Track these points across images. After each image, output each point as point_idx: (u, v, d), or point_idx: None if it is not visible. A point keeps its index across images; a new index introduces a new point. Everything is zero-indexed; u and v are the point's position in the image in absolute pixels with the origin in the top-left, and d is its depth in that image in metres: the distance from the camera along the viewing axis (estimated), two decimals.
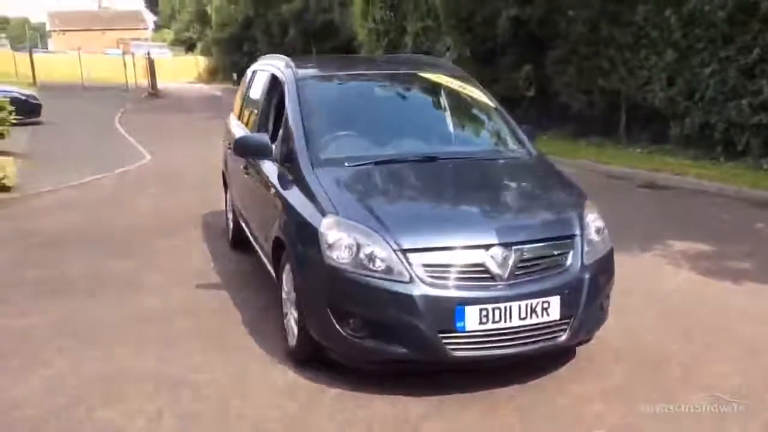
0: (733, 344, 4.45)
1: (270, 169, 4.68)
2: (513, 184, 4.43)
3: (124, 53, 41.99)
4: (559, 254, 3.81)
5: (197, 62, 53.23)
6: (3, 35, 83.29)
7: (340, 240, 3.70)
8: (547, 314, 3.67)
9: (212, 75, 49.34)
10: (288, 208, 4.20)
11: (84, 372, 4.12)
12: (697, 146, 11.43)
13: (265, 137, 4.70)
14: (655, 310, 5.09)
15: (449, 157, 4.52)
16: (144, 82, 35.52)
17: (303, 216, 3.99)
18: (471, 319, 3.55)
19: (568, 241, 3.86)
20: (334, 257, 3.68)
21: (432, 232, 3.73)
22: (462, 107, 5.12)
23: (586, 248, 3.90)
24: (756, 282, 5.62)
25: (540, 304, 3.65)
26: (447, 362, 3.64)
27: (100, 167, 11.31)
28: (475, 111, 5.10)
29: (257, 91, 5.85)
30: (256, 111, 5.65)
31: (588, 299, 3.80)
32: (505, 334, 3.63)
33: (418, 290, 3.54)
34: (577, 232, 3.90)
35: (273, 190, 4.52)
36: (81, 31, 73.82)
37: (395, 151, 4.57)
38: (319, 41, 24.07)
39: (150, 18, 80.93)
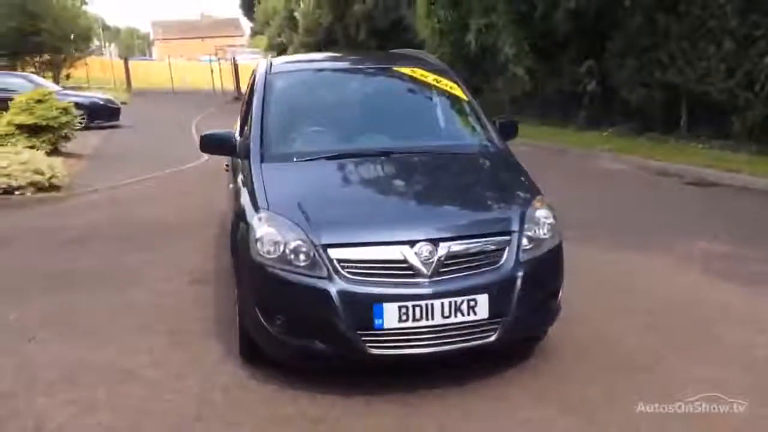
0: (713, 347, 4.16)
1: (234, 165, 4.73)
2: (460, 180, 4.28)
3: (217, 59, 43.49)
4: (491, 251, 3.66)
5: None
6: (111, 44, 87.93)
7: (268, 235, 3.69)
8: (474, 313, 3.53)
9: None
10: (235, 204, 4.23)
11: (42, 361, 4.27)
12: (759, 141, 10.74)
13: (229, 133, 4.74)
14: (644, 309, 4.82)
15: (405, 152, 4.43)
16: (232, 86, 36.70)
17: (242, 212, 4.01)
18: (390, 316, 3.46)
19: (503, 238, 3.70)
20: (262, 252, 3.67)
21: (354, 228, 3.66)
22: (432, 101, 5.00)
23: (525, 245, 3.73)
24: None
25: (465, 302, 3.52)
26: (367, 360, 3.56)
27: (156, 167, 11.74)
28: (444, 105, 4.97)
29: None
30: (243, 110, 5.74)
31: (522, 298, 3.63)
32: (427, 332, 3.51)
33: (335, 286, 3.49)
34: (514, 228, 3.73)
35: (231, 186, 4.57)
36: (182, 39, 76.84)
37: (351, 145, 4.52)
38: (388, 40, 24.12)
39: (247, 25, 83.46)
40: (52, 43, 36.77)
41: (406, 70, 5.07)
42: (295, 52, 51.54)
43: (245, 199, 4.07)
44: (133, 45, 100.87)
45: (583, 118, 15.07)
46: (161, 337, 4.61)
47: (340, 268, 3.52)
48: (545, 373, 3.90)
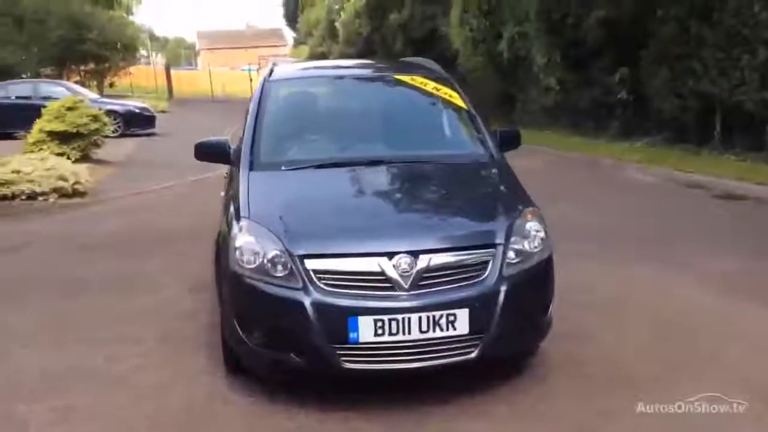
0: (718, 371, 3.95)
1: (230, 173, 4.70)
2: (448, 190, 4.17)
3: (257, 68, 43.99)
4: (473, 264, 3.53)
5: None
6: (158, 54, 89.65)
7: (247, 244, 3.63)
8: (454, 328, 3.41)
9: None
10: (223, 212, 4.18)
11: (31, 367, 4.28)
12: None
13: (223, 140, 4.71)
14: (642, 326, 4.63)
15: (396, 161, 4.33)
16: None
17: (226, 220, 3.96)
18: (365, 330, 3.36)
19: (486, 251, 3.57)
20: (241, 262, 3.61)
21: (332, 238, 3.58)
22: (429, 110, 4.90)
23: (511, 259, 3.60)
24: None
25: (445, 316, 3.40)
26: (341, 375, 3.47)
27: (182, 175, 11.82)
28: (442, 113, 4.86)
29: None
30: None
31: (506, 313, 3.49)
32: (404, 347, 3.41)
33: (309, 298, 3.40)
34: (499, 241, 3.60)
35: (222, 194, 4.53)
36: (226, 49, 77.90)
37: (342, 154, 4.44)
38: (424, 50, 24.01)
39: (290, 35, 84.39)
40: (97, 52, 37.63)
41: (406, 78, 4.99)
42: None
43: (231, 207, 4.02)
44: (180, 55, 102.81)
45: (616, 129, 14.77)
46: (152, 345, 4.58)
47: (316, 280, 3.44)
48: (537, 390, 3.76)
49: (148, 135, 19.27)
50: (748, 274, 5.72)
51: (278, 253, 3.51)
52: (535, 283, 3.72)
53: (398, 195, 4.08)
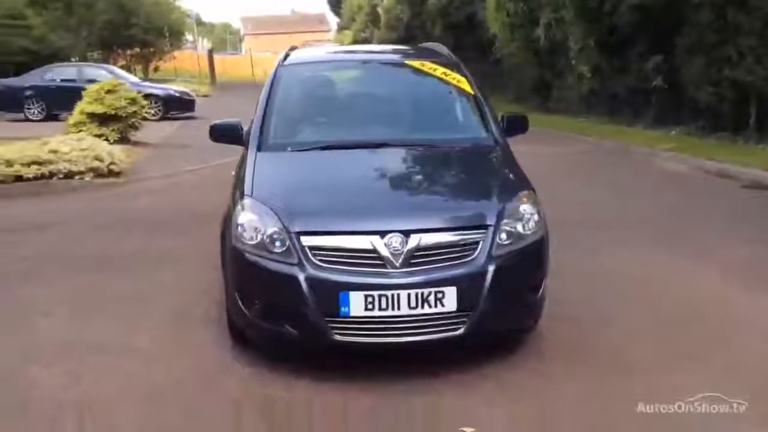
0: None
1: (242, 153, 4.86)
2: (446, 173, 4.28)
3: None
4: (464, 244, 3.65)
5: None
6: (204, 39, 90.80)
7: (249, 222, 3.80)
8: (442, 305, 3.54)
9: None
10: (231, 191, 4.36)
11: (48, 335, 4.52)
12: None
13: (236, 122, 4.87)
14: (664, 315, 4.67)
15: (399, 144, 4.45)
16: None
17: (232, 198, 4.14)
18: (356, 304, 3.51)
19: (477, 231, 3.68)
20: (242, 238, 3.78)
21: (328, 216, 3.73)
22: (436, 94, 5.00)
23: (503, 240, 3.70)
24: None
25: (433, 293, 3.52)
26: (333, 346, 3.62)
27: (216, 157, 12.05)
28: (448, 98, 4.94)
29: None
30: None
31: (493, 292, 3.61)
32: (392, 322, 3.54)
33: (304, 273, 3.56)
34: (490, 222, 3.71)
35: (233, 173, 4.70)
36: (270, 35, 78.48)
37: (348, 137, 4.57)
38: (462, 35, 24.05)
39: (333, 20, 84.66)
40: (143, 36, 38.40)
41: (416, 64, 5.09)
42: None
43: (236, 186, 4.19)
44: (226, 40, 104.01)
45: (651, 117, 14.60)
46: (167, 318, 4.78)
47: (311, 256, 3.59)
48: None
49: (187, 118, 19.66)
50: (747, 263, 5.69)
51: (277, 230, 3.67)
52: (525, 264, 3.81)
53: (397, 177, 4.19)
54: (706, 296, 5.01)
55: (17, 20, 28.48)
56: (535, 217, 3.87)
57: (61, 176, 9.48)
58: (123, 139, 12.86)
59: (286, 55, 5.32)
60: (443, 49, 5.48)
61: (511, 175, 4.22)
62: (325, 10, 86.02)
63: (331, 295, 3.52)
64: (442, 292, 3.53)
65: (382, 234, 3.57)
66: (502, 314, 3.72)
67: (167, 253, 6.37)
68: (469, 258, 3.62)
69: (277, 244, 3.66)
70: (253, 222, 3.78)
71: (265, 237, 3.70)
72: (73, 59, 30.00)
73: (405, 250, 3.55)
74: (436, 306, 3.53)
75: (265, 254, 3.68)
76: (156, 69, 40.36)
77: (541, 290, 3.90)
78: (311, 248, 3.60)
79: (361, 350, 3.70)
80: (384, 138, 4.49)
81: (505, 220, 3.76)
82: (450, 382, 3.68)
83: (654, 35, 13.66)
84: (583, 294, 4.94)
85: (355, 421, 3.40)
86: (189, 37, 71.22)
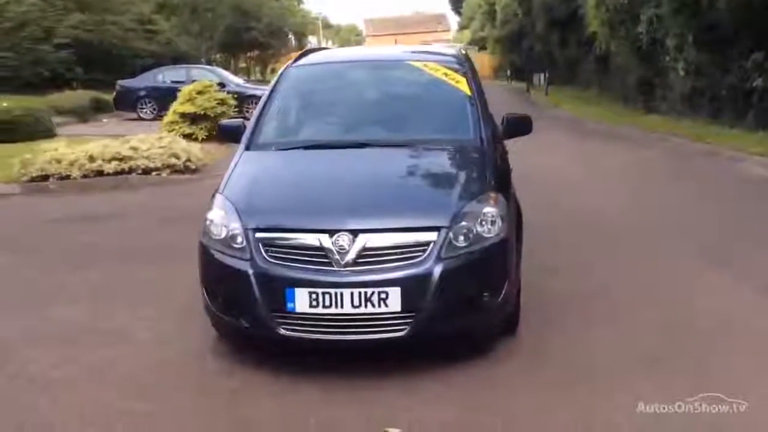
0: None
1: None
2: (415, 173, 4.24)
3: None
4: (413, 246, 3.64)
5: (482, 60, 54.54)
6: (329, 41, 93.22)
7: (216, 218, 3.97)
8: (386, 305, 3.56)
9: (496, 72, 50.29)
10: None
11: (58, 319, 4.85)
12: None
13: (239, 122, 5.06)
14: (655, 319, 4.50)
15: (381, 145, 4.49)
16: None
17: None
18: (301, 301, 3.60)
19: (428, 233, 3.67)
20: (210, 233, 3.95)
21: (283, 214, 3.85)
22: (431, 95, 4.96)
23: (458, 241, 3.67)
24: None
25: (376, 294, 3.55)
26: (280, 341, 3.71)
27: None
28: (443, 99, 4.87)
29: None
30: None
31: (441, 294, 3.59)
32: (336, 320, 3.60)
33: (254, 269, 3.68)
34: (443, 224, 3.68)
35: None
36: (390, 35, 79.32)
37: (334, 137, 4.67)
38: (567, 32, 23.46)
39: (452, 20, 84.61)
40: (262, 40, 40.01)
41: (419, 64, 5.09)
42: (491, 45, 51.84)
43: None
44: (351, 41, 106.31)
45: (752, 119, 13.65)
46: (175, 310, 4.98)
47: (263, 252, 3.71)
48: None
49: None
50: None
51: (237, 226, 3.82)
52: (482, 267, 3.75)
53: (363, 177, 4.22)
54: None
55: (144, 25, 30.48)
56: (497, 220, 3.79)
57: (139, 172, 10.10)
58: (211, 137, 13.49)
59: (299, 57, 5.46)
60: (455, 50, 5.45)
61: (480, 177, 4.15)
62: (446, 10, 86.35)
63: (278, 290, 3.63)
64: (386, 292, 3.55)
65: (331, 233, 3.63)
66: (453, 317, 3.68)
67: None
68: (417, 259, 3.62)
69: (239, 240, 3.80)
70: (220, 218, 3.94)
71: (229, 233, 3.85)
72: (202, 60, 31.75)
73: (351, 249, 3.60)
74: (379, 306, 3.56)
75: (226, 250, 3.83)
76: (273, 71, 41.93)
77: (502, 293, 3.82)
78: (264, 245, 3.71)
79: (309, 346, 3.77)
80: (367, 138, 4.54)
81: (463, 222, 3.71)
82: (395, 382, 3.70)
83: (755, 32, 12.75)
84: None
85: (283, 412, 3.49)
86: (313, 39, 73.32)
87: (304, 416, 3.42)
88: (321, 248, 3.62)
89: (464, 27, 79.82)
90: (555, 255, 5.78)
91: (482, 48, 62.60)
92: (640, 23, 16.97)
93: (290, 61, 5.39)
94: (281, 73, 5.15)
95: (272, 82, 5.11)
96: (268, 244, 3.71)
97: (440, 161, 4.40)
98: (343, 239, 3.61)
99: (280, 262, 3.67)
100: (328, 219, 3.71)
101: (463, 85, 4.86)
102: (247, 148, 4.56)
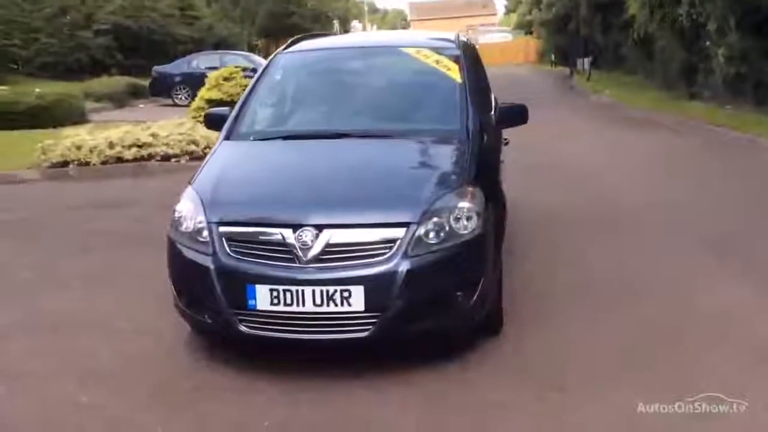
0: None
1: None
2: (388, 166, 4.05)
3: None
4: (379, 242, 3.47)
5: (527, 44, 53.60)
6: (374, 26, 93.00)
7: (184, 211, 3.86)
8: (348, 304, 3.40)
9: (541, 57, 49.37)
10: None
11: (45, 308, 4.82)
12: None
13: (224, 110, 4.93)
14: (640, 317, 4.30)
15: (361, 135, 4.31)
16: None
17: None
18: (262, 298, 3.46)
19: (395, 229, 3.49)
20: (177, 226, 3.85)
21: (247, 207, 3.72)
22: (420, 83, 4.77)
23: (428, 237, 3.49)
24: None
25: (339, 292, 3.39)
26: (242, 338, 3.59)
27: None
28: (431, 87, 4.67)
29: None
30: None
31: (408, 293, 3.41)
32: (297, 319, 3.46)
33: (215, 264, 3.56)
34: (412, 220, 3.50)
35: None
36: (435, 20, 78.69)
37: (314, 127, 4.53)
38: (610, 15, 22.78)
39: (498, 3, 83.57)
40: (305, 25, 39.95)
41: (411, 51, 4.88)
42: (537, 29, 50.90)
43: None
44: (396, 26, 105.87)
45: None
46: (158, 299, 4.88)
47: (226, 247, 3.58)
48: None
49: None
50: None
51: (202, 219, 3.70)
52: (455, 264, 3.56)
53: (336, 169, 4.05)
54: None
55: (185, 11, 30.71)
56: (472, 215, 3.59)
57: (158, 159, 10.08)
58: None
59: (291, 43, 5.30)
60: (453, 36, 5.23)
61: (459, 170, 3.94)
62: None
63: (240, 287, 3.50)
64: (349, 291, 3.39)
65: (295, 228, 3.49)
66: (422, 317, 3.50)
67: None
68: (383, 257, 3.44)
69: (204, 234, 3.68)
70: (188, 211, 3.83)
71: (195, 227, 3.73)
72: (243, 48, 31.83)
73: (315, 245, 3.45)
74: (342, 305, 3.40)
75: (191, 243, 3.72)
76: None
77: (477, 292, 3.61)
78: (227, 239, 3.59)
79: (271, 345, 3.63)
80: (348, 129, 4.37)
81: (434, 218, 3.52)
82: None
83: None
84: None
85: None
86: (357, 23, 73.11)
87: (259, 417, 3.31)
88: (284, 243, 3.48)
89: (511, 11, 78.70)
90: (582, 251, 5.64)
91: (529, 32, 61.58)
92: (681, 5, 16.33)
93: (281, 48, 5.24)
94: (269, 60, 5.01)
95: (260, 70, 4.96)
96: (230, 238, 3.58)
97: (420, 153, 4.20)
98: (307, 234, 3.45)
99: (243, 258, 3.54)
100: (292, 213, 3.57)
101: (453, 73, 4.64)
102: (227, 137, 4.43)
